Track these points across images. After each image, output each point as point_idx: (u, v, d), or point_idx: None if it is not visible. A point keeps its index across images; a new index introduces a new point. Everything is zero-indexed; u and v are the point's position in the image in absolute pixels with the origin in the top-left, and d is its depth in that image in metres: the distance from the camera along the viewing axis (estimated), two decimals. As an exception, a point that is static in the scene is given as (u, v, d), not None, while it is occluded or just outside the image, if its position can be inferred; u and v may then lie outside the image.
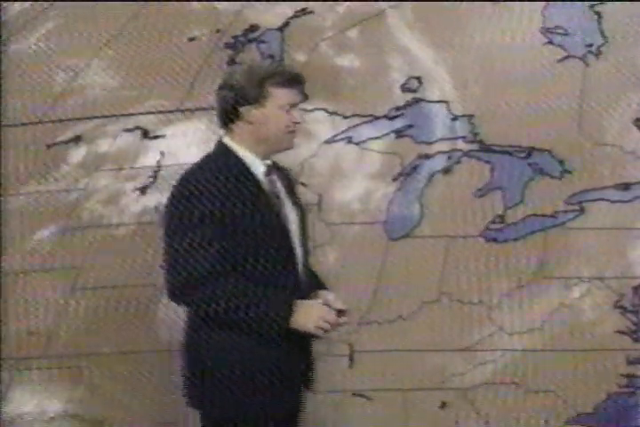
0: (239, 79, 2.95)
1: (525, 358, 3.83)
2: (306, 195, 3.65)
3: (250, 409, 2.89)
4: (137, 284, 3.89)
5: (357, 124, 3.86)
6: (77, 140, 3.94)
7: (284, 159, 3.80)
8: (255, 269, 2.87)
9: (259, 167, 2.96)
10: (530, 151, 3.82)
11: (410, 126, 3.87)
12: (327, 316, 2.86)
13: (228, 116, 2.96)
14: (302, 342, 2.97)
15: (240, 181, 2.88)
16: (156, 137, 3.91)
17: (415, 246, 3.83)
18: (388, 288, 3.83)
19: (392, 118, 3.84)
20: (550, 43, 3.83)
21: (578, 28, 3.82)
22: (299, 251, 2.98)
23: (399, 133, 3.86)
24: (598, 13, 3.81)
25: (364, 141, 3.88)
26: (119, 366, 3.90)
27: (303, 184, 3.81)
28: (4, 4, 3.94)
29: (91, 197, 3.92)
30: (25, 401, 3.94)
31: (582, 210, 3.81)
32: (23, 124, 3.93)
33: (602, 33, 3.81)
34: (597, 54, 3.81)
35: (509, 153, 3.83)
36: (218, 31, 3.91)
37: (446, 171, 3.85)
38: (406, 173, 3.82)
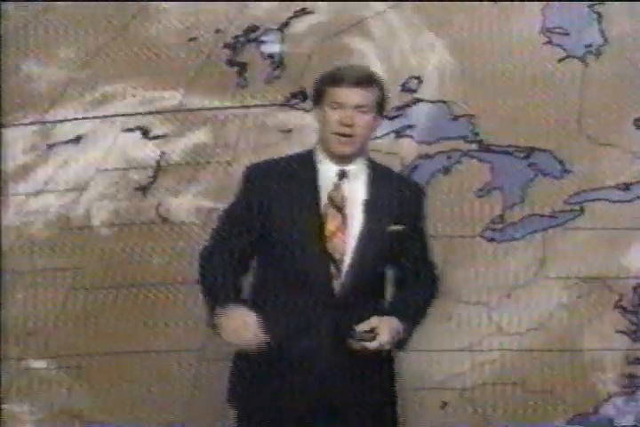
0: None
1: (525, 358, 3.83)
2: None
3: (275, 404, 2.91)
4: (137, 284, 3.89)
5: (357, 124, 3.86)
6: (77, 140, 3.93)
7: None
8: (280, 261, 2.91)
9: (329, 170, 2.94)
10: (530, 151, 3.82)
11: (410, 126, 3.87)
12: (241, 330, 2.77)
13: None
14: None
15: (291, 176, 2.93)
16: (156, 137, 3.90)
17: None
18: (388, 288, 3.83)
19: (392, 118, 3.83)
20: (550, 43, 3.83)
21: (578, 28, 3.82)
22: (347, 262, 2.90)
23: (399, 133, 3.86)
24: (598, 13, 3.81)
25: (364, 141, 3.88)
26: (119, 366, 3.90)
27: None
28: (4, 3, 3.93)
29: (90, 197, 3.92)
30: (25, 401, 3.94)
31: (582, 210, 3.81)
32: (23, 125, 3.93)
33: (602, 33, 3.81)
34: (597, 54, 3.81)
35: (509, 153, 3.83)
36: (218, 31, 3.90)
37: (446, 171, 3.85)
38: (406, 173, 3.82)
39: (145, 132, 3.91)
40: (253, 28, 3.90)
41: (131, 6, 3.91)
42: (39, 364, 3.92)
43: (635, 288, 3.80)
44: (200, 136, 3.89)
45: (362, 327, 2.83)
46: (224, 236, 2.97)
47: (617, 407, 3.81)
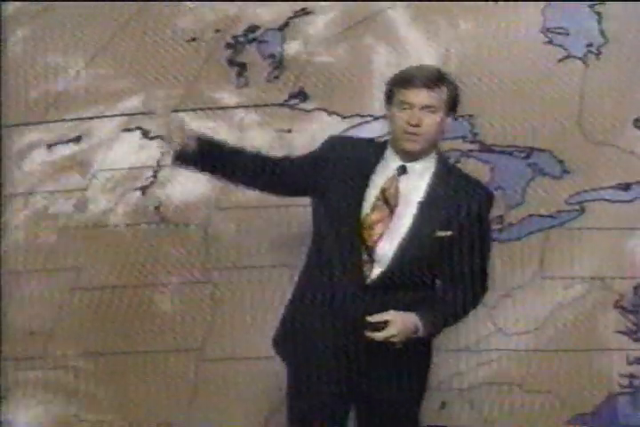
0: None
1: (525, 358, 3.83)
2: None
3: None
4: (137, 284, 3.89)
5: (357, 124, 3.86)
6: (77, 140, 3.94)
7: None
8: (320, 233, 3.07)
9: (392, 163, 3.03)
10: (530, 151, 3.82)
11: (410, 126, 3.86)
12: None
13: None
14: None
15: (357, 159, 3.04)
16: (156, 137, 3.90)
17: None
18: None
19: (392, 118, 3.83)
20: (550, 43, 3.83)
21: (578, 28, 3.82)
22: (386, 254, 2.99)
23: (399, 133, 3.86)
24: (598, 13, 3.81)
25: (363, 141, 3.88)
26: (119, 366, 3.90)
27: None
28: (4, 3, 3.94)
29: (91, 197, 3.92)
30: (25, 401, 3.94)
31: (582, 210, 3.81)
32: (23, 125, 3.93)
33: (602, 33, 3.81)
34: (597, 54, 3.81)
35: (509, 153, 3.83)
36: (218, 31, 3.90)
37: (446, 171, 3.85)
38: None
39: (145, 132, 3.91)
40: (253, 28, 3.90)
41: (131, 6, 3.91)
42: (39, 364, 3.92)
43: (635, 288, 3.80)
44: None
45: (374, 318, 2.94)
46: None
47: (617, 407, 3.81)
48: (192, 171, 3.13)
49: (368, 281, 3.00)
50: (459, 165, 3.55)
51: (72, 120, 3.93)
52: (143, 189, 3.90)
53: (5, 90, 3.91)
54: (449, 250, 3.02)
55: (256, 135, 3.87)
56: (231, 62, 3.90)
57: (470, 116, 3.82)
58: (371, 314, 2.95)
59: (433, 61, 3.75)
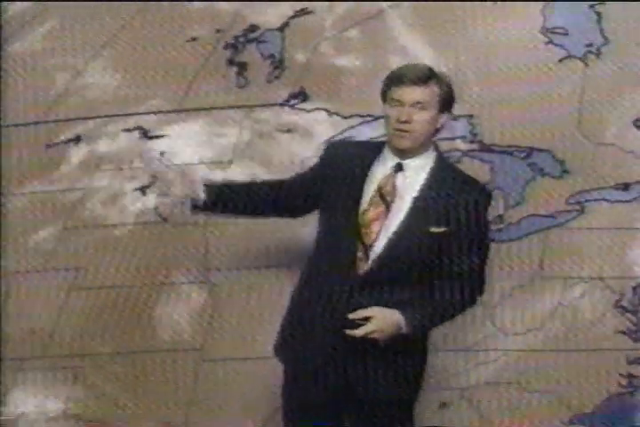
0: None
1: (525, 358, 3.83)
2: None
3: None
4: (137, 284, 3.89)
5: (357, 124, 3.86)
6: (77, 140, 3.94)
7: (285, 158, 3.82)
8: (322, 233, 3.11)
9: (389, 161, 3.06)
10: (530, 151, 3.82)
11: (410, 126, 3.86)
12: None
13: None
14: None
15: (355, 160, 3.08)
16: (156, 137, 3.91)
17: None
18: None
19: (392, 118, 3.83)
20: (550, 43, 3.83)
21: (578, 28, 3.82)
22: (377, 251, 3.00)
23: (399, 133, 3.86)
24: (598, 13, 3.80)
25: (363, 141, 3.88)
26: (119, 367, 3.90)
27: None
28: (4, 3, 3.94)
29: (91, 197, 3.92)
30: (25, 401, 3.94)
31: (582, 210, 3.81)
32: (23, 125, 3.93)
33: (602, 33, 3.81)
34: (597, 54, 3.81)
35: (509, 153, 3.83)
36: (218, 31, 3.90)
37: (446, 171, 3.85)
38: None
39: (145, 132, 3.91)
40: (253, 28, 3.90)
41: (131, 6, 3.91)
42: (39, 364, 3.92)
43: (635, 288, 3.80)
44: (200, 136, 3.89)
45: (355, 315, 2.94)
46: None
47: (617, 408, 3.81)
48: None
49: (359, 278, 3.00)
50: (459, 165, 3.54)
51: (72, 120, 3.93)
52: (143, 189, 3.90)
53: (5, 90, 3.91)
54: (443, 247, 3.01)
55: (256, 135, 3.87)
56: (231, 62, 3.90)
57: (470, 116, 3.82)
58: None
59: (432, 61, 3.74)
